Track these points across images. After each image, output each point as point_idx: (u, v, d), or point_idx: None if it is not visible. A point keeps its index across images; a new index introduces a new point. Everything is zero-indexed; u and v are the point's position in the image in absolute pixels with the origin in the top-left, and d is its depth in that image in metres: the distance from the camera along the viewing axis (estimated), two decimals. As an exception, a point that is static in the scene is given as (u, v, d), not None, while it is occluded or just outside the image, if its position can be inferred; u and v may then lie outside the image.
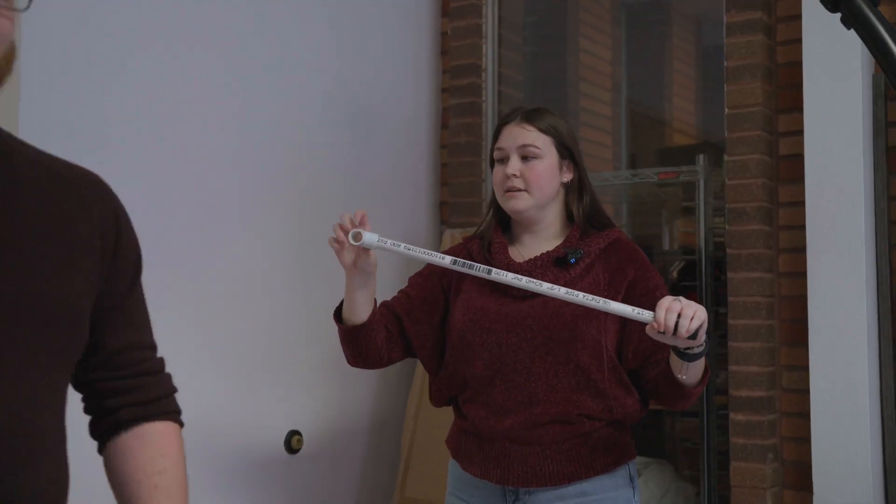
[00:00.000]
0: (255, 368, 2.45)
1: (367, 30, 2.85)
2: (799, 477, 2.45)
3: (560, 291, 1.60)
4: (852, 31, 1.44)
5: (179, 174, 2.27)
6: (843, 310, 2.32)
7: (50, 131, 1.91)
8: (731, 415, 2.50)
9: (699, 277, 2.73)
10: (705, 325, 1.55)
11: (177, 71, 2.26)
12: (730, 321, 2.51)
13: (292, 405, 2.55)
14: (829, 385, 2.33)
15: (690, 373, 1.66)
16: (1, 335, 1.02)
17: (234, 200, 2.41)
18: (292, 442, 2.51)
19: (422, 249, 1.64)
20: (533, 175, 1.84)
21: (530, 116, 1.87)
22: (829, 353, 2.34)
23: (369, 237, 1.60)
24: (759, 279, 2.46)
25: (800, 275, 2.42)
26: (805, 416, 2.39)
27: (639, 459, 2.93)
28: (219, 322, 2.35)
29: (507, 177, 1.84)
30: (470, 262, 1.65)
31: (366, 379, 2.76)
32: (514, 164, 1.84)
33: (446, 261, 1.64)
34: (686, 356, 1.61)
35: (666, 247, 3.70)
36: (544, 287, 1.61)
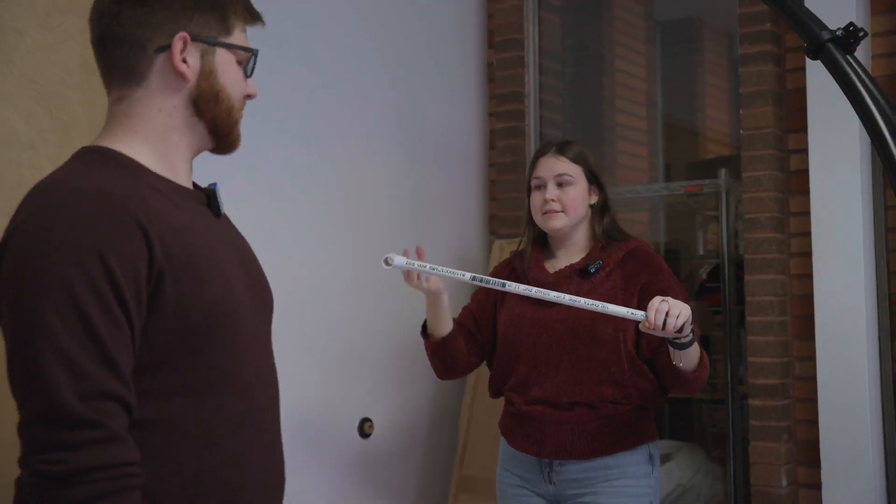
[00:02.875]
0: (333, 364, 2.72)
1: (424, 62, 3.15)
2: (810, 455, 2.70)
3: (565, 299, 1.87)
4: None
5: (265, 194, 2.58)
6: (845, 307, 2.57)
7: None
8: (750, 400, 2.77)
9: (722, 279, 3.01)
10: (689, 321, 1.84)
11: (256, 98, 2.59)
12: (747, 318, 2.79)
13: (365, 396, 2.81)
14: (833, 373, 2.58)
15: (685, 360, 1.95)
16: (266, 325, 1.37)
17: (312, 216, 2.70)
18: (364, 427, 2.77)
19: (445, 269, 1.87)
20: (568, 199, 2.16)
21: (562, 149, 2.20)
22: (833, 345, 2.59)
23: (399, 260, 1.81)
24: (772, 280, 2.75)
25: (808, 276, 2.68)
26: (815, 401, 2.63)
27: (671, 443, 3.23)
28: (303, 323, 2.64)
29: (546, 201, 2.15)
30: (486, 278, 1.92)
31: (428, 373, 3.03)
32: (552, 191, 2.16)
33: (466, 277, 1.88)
34: (676, 345, 1.91)
35: (701, 251, 3.96)
36: (552, 295, 1.87)
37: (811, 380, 2.67)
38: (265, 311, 1.39)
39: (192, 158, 1.35)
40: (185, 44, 1.26)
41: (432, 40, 3.21)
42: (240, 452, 1.25)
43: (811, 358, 2.68)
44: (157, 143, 1.28)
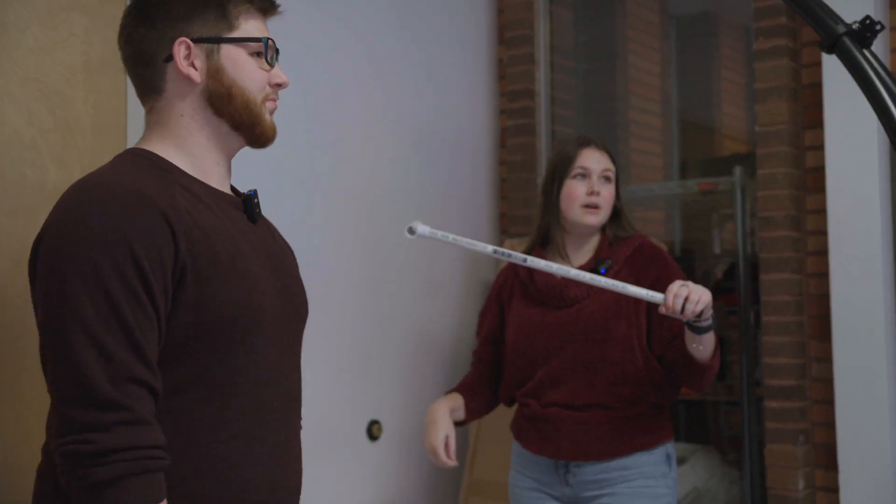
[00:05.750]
0: (341, 366, 2.71)
1: (433, 59, 3.13)
2: (827, 458, 2.65)
3: (586, 277, 1.86)
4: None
5: (275, 196, 2.58)
6: (863, 306, 2.52)
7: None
8: (766, 402, 2.73)
9: (738, 278, 2.97)
10: (709, 305, 1.83)
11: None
12: (763, 318, 2.74)
13: (373, 397, 2.80)
14: (851, 375, 2.54)
15: (703, 344, 1.92)
16: (296, 333, 1.40)
17: (322, 217, 2.69)
18: (373, 430, 2.76)
19: (467, 240, 1.85)
20: (608, 195, 2.15)
21: (602, 145, 2.18)
22: (850, 345, 2.55)
23: (422, 229, 1.82)
24: (787, 280, 2.70)
25: (825, 275, 2.64)
26: (832, 402, 2.59)
27: (686, 446, 3.20)
28: (309, 326, 2.64)
29: (592, 193, 2.11)
30: (508, 252, 1.90)
31: (438, 374, 3.03)
32: (599, 184, 2.14)
33: (488, 249, 1.86)
34: (695, 329, 1.89)
35: (717, 250, 3.92)
36: (572, 273, 1.87)
37: (828, 381, 2.63)
38: (296, 320, 1.41)
39: (229, 159, 1.39)
40: (188, 48, 1.30)
41: (441, 37, 3.20)
42: (245, 452, 1.27)
43: (828, 359, 2.63)
44: (186, 146, 1.33)
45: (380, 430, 2.80)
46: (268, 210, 2.56)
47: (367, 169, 2.85)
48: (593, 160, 2.14)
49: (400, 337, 2.88)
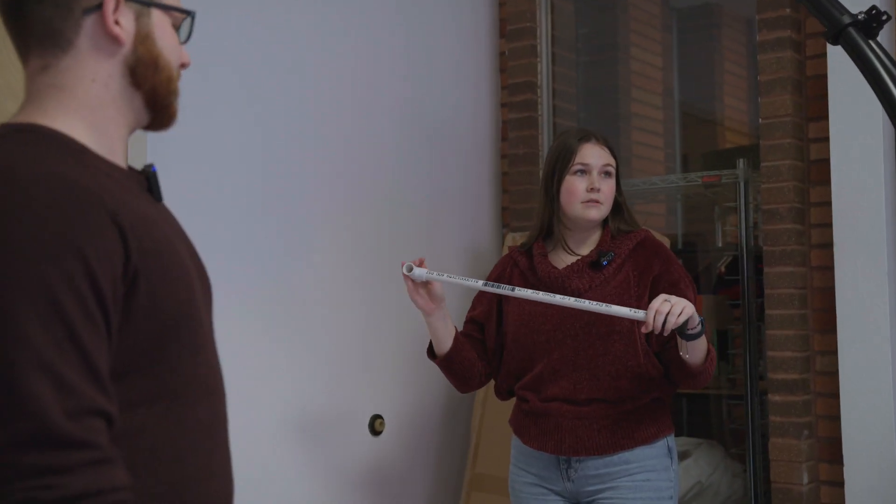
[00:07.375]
0: (343, 361, 2.71)
1: (433, 51, 3.11)
2: (832, 451, 2.64)
3: (569, 301, 1.92)
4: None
5: (276, 188, 2.57)
6: (868, 299, 2.51)
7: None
8: (770, 395, 2.72)
9: (741, 272, 2.96)
10: (694, 317, 1.84)
11: (265, 90, 2.55)
12: (766, 311, 2.73)
13: (375, 393, 2.79)
14: (856, 368, 2.53)
15: (692, 352, 1.93)
16: (211, 320, 1.24)
17: (323, 211, 2.68)
18: (375, 425, 2.76)
19: (460, 277, 2.06)
20: (609, 190, 2.13)
21: (603, 139, 2.17)
22: (855, 338, 2.53)
23: (418, 272, 2.02)
24: (791, 273, 2.68)
25: (829, 268, 2.62)
26: (837, 396, 2.58)
27: (690, 440, 3.19)
28: (311, 321, 2.62)
29: (593, 189, 2.10)
30: (497, 284, 2.06)
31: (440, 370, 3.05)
32: (600, 180, 2.12)
33: (479, 284, 2.04)
34: (684, 337, 1.90)
35: (719, 243, 3.90)
36: (557, 298, 1.94)
37: (833, 374, 2.62)
38: (210, 305, 1.24)
39: (128, 137, 1.19)
40: (117, 4, 1.11)
41: (442, 29, 3.18)
42: (205, 465, 1.14)
43: (833, 352, 2.62)
44: (95, 119, 1.12)
45: (382, 424, 2.79)
46: (268, 207, 2.56)
47: (367, 163, 2.84)
48: (593, 155, 2.12)
49: (402, 331, 2.87)
